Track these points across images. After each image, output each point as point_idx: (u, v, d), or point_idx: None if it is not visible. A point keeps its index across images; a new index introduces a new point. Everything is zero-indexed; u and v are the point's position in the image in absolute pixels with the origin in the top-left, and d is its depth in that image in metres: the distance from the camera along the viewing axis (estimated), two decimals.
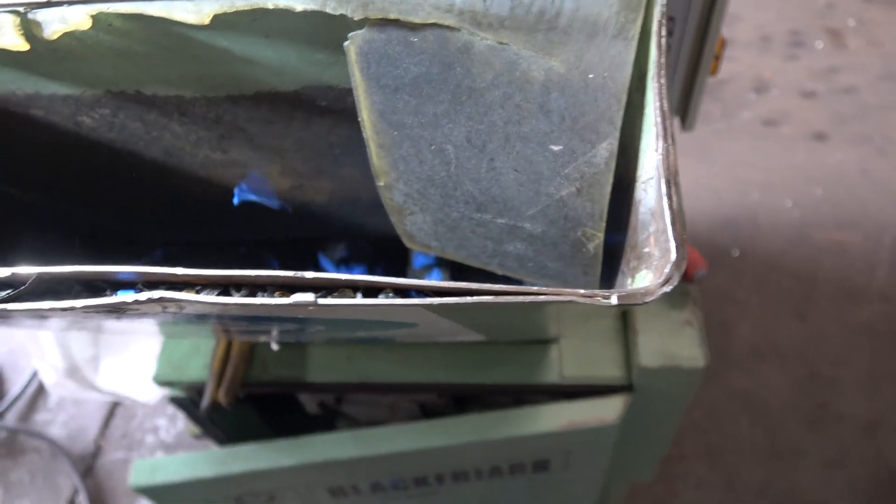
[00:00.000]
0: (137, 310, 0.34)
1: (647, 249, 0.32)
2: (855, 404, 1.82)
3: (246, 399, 1.02)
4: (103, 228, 0.66)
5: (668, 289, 0.29)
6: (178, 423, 1.86)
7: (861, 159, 2.28)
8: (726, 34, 1.18)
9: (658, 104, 0.31)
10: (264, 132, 0.51)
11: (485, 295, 0.30)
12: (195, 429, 1.24)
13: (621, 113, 0.36)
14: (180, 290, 0.32)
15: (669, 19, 0.87)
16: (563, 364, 0.97)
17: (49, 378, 1.50)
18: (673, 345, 0.92)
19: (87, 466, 1.82)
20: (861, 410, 1.81)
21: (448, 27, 0.35)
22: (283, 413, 1.27)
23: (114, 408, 1.90)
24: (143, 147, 0.53)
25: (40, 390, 1.92)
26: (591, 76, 0.35)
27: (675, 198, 0.30)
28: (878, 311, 1.96)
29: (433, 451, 0.96)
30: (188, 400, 1.10)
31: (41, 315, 0.37)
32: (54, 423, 1.88)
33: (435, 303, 0.30)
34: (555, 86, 0.36)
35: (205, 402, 1.00)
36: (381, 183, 0.45)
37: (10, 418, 1.88)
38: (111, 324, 0.63)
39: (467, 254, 0.48)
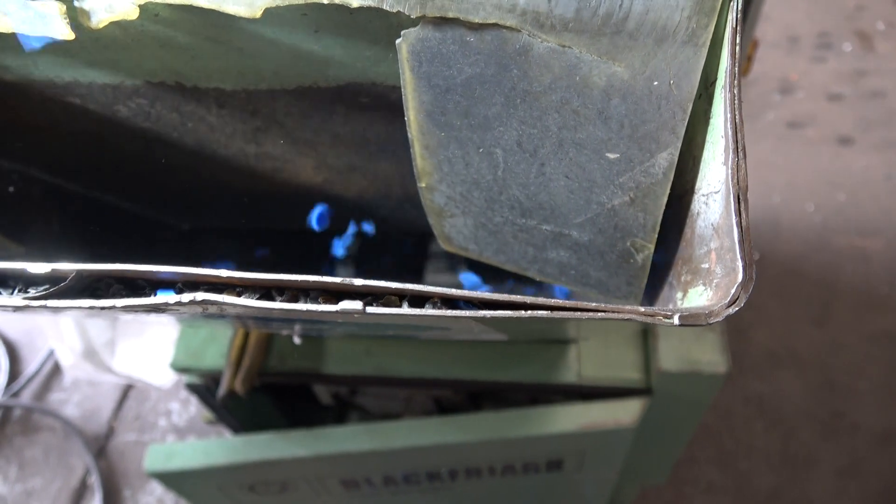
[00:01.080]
0: (178, 310, 0.33)
1: (705, 265, 0.31)
2: (871, 414, 1.80)
3: (261, 388, 1.02)
4: (134, 215, 0.65)
5: (733, 310, 0.27)
6: (190, 408, 1.86)
7: (886, 165, 2.24)
8: (755, 33, 1.16)
9: (730, 115, 0.30)
10: (301, 126, 0.50)
11: (540, 309, 0.29)
12: (209, 415, 1.24)
13: (685, 122, 0.35)
14: (221, 291, 0.31)
15: None
16: (582, 364, 0.96)
17: (66, 360, 1.51)
18: (694, 349, 0.91)
19: (100, 447, 1.83)
20: (877, 420, 1.79)
21: (508, 28, 0.34)
22: (297, 403, 1.27)
23: (127, 390, 1.91)
24: (177, 138, 0.52)
25: (56, 370, 1.93)
26: (655, 83, 0.34)
27: (744, 215, 0.29)
28: None
29: (448, 448, 0.95)
30: (204, 387, 1.10)
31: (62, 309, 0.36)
32: (69, 402, 1.89)
33: (487, 316, 0.29)
34: (616, 92, 0.35)
35: (221, 390, 0.99)
36: (422, 184, 0.44)
37: (26, 396, 1.90)
38: (128, 315, 0.62)
39: (506, 258, 0.47)
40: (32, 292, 0.32)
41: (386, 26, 0.38)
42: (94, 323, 1.48)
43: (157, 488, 1.76)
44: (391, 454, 0.96)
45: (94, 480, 1.75)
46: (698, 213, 0.33)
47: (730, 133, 0.30)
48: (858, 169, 2.25)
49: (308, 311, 0.31)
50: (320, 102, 0.47)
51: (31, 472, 1.80)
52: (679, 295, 0.36)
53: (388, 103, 0.45)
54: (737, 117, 0.30)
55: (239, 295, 0.31)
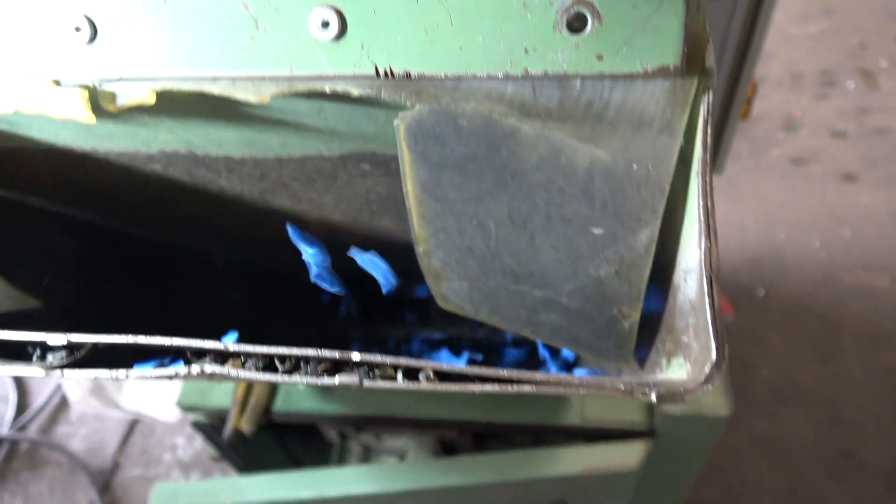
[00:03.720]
0: (186, 379, 0.35)
1: (685, 339, 0.33)
2: (878, 453, 1.78)
3: (267, 426, 1.03)
4: (150, 257, 0.68)
5: (709, 388, 0.29)
6: (195, 443, 1.87)
7: (890, 201, 2.25)
8: (757, 72, 1.18)
9: (702, 202, 0.32)
10: (306, 188, 0.53)
11: (526, 384, 0.31)
12: (213, 452, 1.25)
13: (664, 202, 0.37)
14: (226, 360, 0.34)
15: None
16: (585, 406, 0.97)
17: (74, 395, 1.53)
18: None
19: (105, 482, 1.83)
20: (885, 460, 1.77)
21: (497, 113, 0.36)
22: (302, 440, 1.27)
23: (133, 425, 1.92)
24: (190, 195, 0.55)
25: (63, 403, 1.95)
26: (635, 167, 0.36)
27: (715, 297, 0.30)
28: None
29: (452, 490, 0.96)
30: (210, 426, 1.11)
31: None
32: (75, 436, 1.91)
33: (476, 390, 0.31)
34: (599, 173, 0.37)
35: (227, 429, 1.00)
36: (420, 249, 0.46)
37: (32, 430, 1.91)
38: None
39: (500, 319, 0.49)
40: (51, 359, 0.34)
41: (385, 107, 0.41)
42: None
43: None
44: (395, 497, 0.96)
45: None
46: (679, 287, 0.35)
47: (702, 218, 0.32)
48: (863, 205, 2.26)
49: (308, 383, 0.33)
50: (324, 168, 0.49)
51: None
52: (664, 362, 0.37)
53: (388, 170, 0.48)
54: (709, 203, 0.32)
55: (243, 365, 0.33)
